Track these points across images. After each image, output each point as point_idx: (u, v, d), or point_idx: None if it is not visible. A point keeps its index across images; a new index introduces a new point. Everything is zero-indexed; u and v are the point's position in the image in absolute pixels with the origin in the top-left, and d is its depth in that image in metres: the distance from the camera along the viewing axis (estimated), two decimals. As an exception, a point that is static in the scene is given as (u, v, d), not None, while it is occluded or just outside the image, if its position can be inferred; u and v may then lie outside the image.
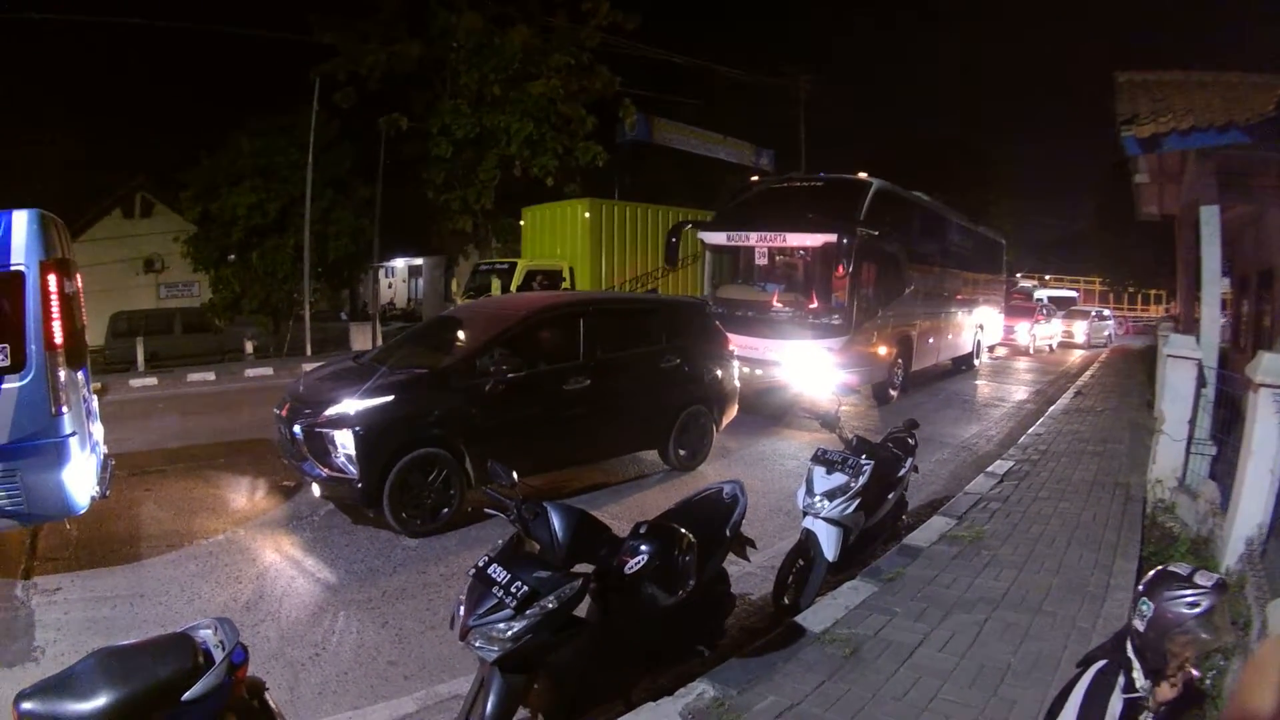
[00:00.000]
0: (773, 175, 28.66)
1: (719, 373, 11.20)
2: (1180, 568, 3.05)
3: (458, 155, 24.44)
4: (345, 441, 7.74)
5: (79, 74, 33.10)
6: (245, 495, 9.69)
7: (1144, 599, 2.99)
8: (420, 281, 50.73)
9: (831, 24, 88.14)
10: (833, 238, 13.84)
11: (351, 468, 7.73)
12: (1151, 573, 3.11)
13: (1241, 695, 2.18)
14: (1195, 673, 3.12)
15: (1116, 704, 2.95)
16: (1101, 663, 3.10)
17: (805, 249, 15.04)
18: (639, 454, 10.80)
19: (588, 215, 21.43)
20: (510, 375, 8.54)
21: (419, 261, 48.31)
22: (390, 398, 8.01)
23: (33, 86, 29.91)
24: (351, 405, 7.87)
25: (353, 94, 24.56)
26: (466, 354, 8.81)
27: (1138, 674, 2.99)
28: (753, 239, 15.49)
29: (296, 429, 8.12)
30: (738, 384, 11.87)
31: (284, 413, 8.59)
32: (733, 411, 11.68)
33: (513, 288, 18.71)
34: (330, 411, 7.91)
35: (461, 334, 9.64)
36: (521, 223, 24.84)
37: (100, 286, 31.92)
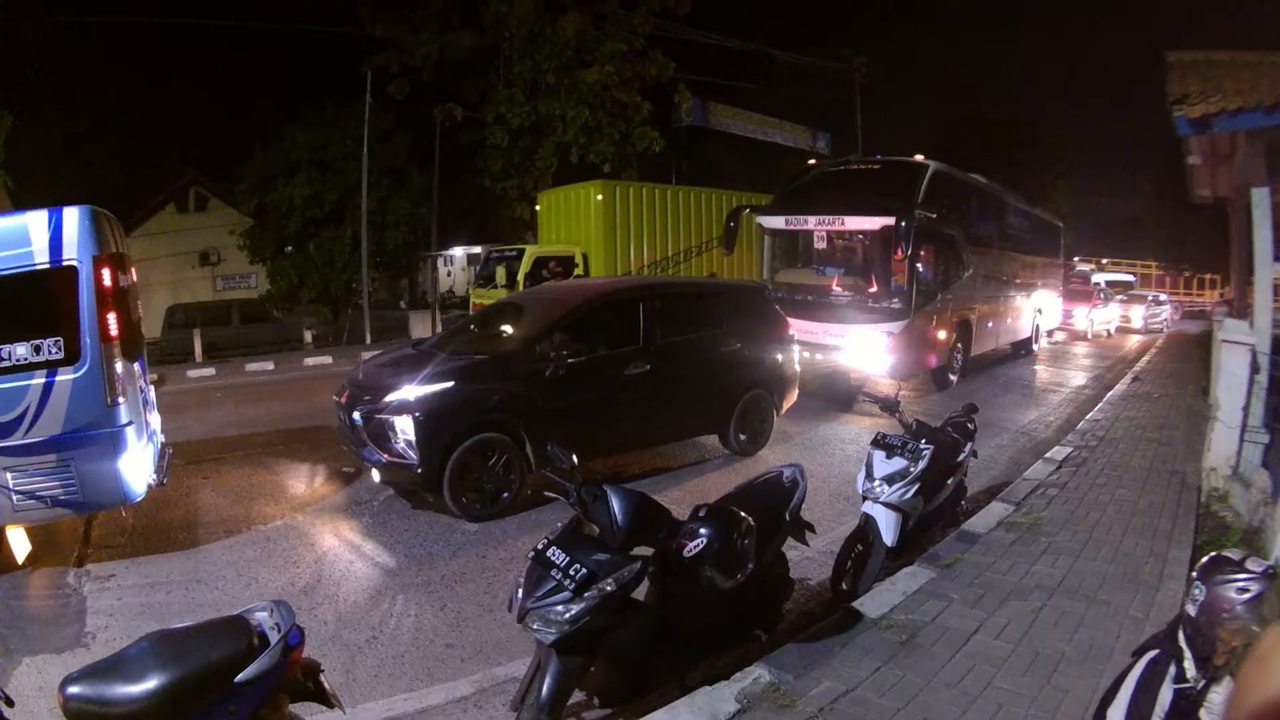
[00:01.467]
0: (829, 158, 28.44)
1: (779, 357, 11.14)
2: (1233, 553, 3.04)
3: (514, 143, 24.51)
4: (405, 427, 7.81)
5: (133, 71, 33.50)
6: (304, 481, 9.81)
7: (1197, 583, 2.98)
8: (478, 269, 50.91)
9: (887, 2, 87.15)
10: (891, 220, 13.67)
11: (412, 453, 7.80)
12: (1206, 558, 3.09)
13: (1243, 691, 2.13)
14: None
15: (1167, 694, 2.93)
16: (1154, 652, 3.08)
17: (863, 232, 14.93)
18: (699, 439, 10.79)
19: (600, 198, 20.68)
20: (570, 360, 8.58)
21: (478, 250, 48.54)
22: (450, 384, 8.06)
23: (88, 84, 30.28)
24: (411, 391, 7.94)
25: (406, 85, 24.71)
26: (526, 339, 8.85)
27: (1189, 664, 2.97)
28: (811, 222, 15.41)
29: (356, 415, 8.24)
30: (798, 368, 11.84)
31: (344, 399, 8.70)
32: (793, 396, 11.63)
33: (519, 276, 18.64)
34: (390, 398, 7.99)
35: (520, 320, 9.62)
36: (537, 208, 24.53)
37: (156, 280, 32.50)
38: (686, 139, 30.20)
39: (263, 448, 11.24)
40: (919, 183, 14.74)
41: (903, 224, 13.51)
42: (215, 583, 6.80)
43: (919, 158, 15.94)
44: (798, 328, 14.48)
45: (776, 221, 16.23)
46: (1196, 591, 2.95)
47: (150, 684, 2.68)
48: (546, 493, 4.53)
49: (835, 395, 14.95)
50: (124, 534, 7.98)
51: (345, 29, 24.66)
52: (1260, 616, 2.83)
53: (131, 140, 33.57)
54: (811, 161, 21.05)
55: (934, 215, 14.62)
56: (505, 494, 8.28)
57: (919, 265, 14.44)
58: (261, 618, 3.08)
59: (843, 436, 12.14)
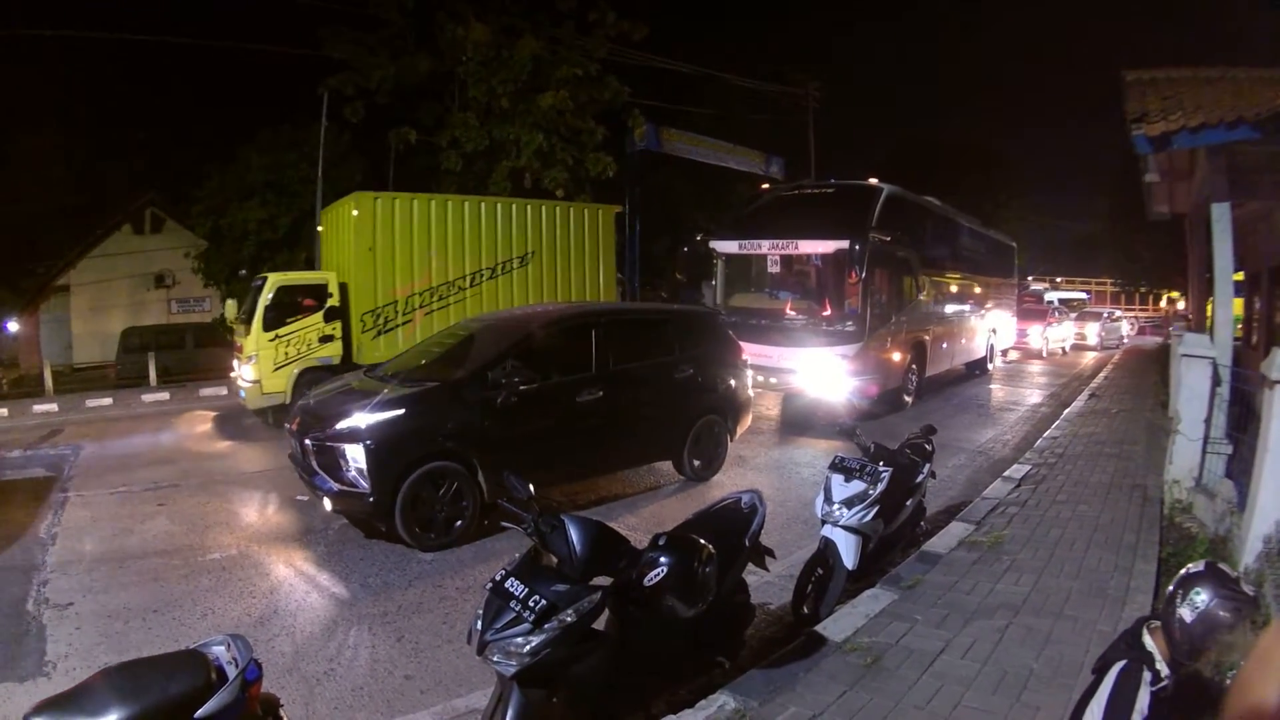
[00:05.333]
0: (783, 183, 28.60)
1: (732, 382, 11.12)
2: (1227, 568, 3.06)
3: (468, 168, 24.41)
4: (356, 455, 7.74)
5: (87, 89, 33.13)
6: (259, 510, 9.72)
7: (1197, 590, 2.97)
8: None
9: (838, 29, 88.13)
10: (844, 244, 13.81)
11: (363, 482, 7.73)
12: (1202, 565, 3.10)
13: (1244, 687, 2.15)
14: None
15: (1144, 698, 2.94)
16: (1123, 662, 3.09)
17: (817, 256, 15.00)
18: (655, 464, 10.76)
19: (355, 213, 16.80)
20: (522, 387, 8.46)
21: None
22: (401, 411, 8.00)
23: (41, 102, 29.97)
24: (362, 419, 7.87)
25: (361, 108, 24.54)
26: (478, 367, 8.71)
27: (1161, 666, 2.99)
28: (764, 247, 15.47)
29: (308, 442, 8.16)
30: (752, 393, 11.81)
31: (295, 427, 8.61)
32: (747, 421, 11.64)
33: (259, 308, 15.46)
34: (341, 425, 7.92)
35: (473, 347, 9.52)
36: (320, 229, 21.28)
37: (112, 303, 32.06)
38: (640, 164, 30.23)
39: (218, 475, 11.09)
40: (872, 206, 14.90)
41: (856, 247, 13.64)
42: (171, 612, 6.70)
43: (873, 181, 16.15)
44: (752, 352, 14.51)
45: (730, 246, 16.30)
46: (1197, 598, 2.95)
47: (111, 718, 2.63)
48: (504, 522, 4.48)
49: (791, 419, 14.98)
50: (81, 561, 7.86)
51: (303, 51, 24.54)
52: (1240, 635, 2.87)
53: (89, 159, 33.21)
54: (765, 186, 21.12)
55: (888, 238, 14.82)
56: (458, 523, 8.19)
57: (873, 288, 14.54)
58: (219, 652, 3.02)
59: (799, 460, 12.14)
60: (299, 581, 7.38)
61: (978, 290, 22.15)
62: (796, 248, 15.10)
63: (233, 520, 9.29)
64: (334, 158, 26.04)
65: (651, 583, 4.23)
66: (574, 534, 4.03)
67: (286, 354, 15.32)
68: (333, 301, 16.04)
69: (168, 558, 7.99)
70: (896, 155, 46.87)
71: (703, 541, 4.51)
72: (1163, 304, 61.93)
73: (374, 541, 8.34)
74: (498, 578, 3.85)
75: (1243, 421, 8.58)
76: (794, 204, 16.99)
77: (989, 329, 23.09)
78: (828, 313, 14.73)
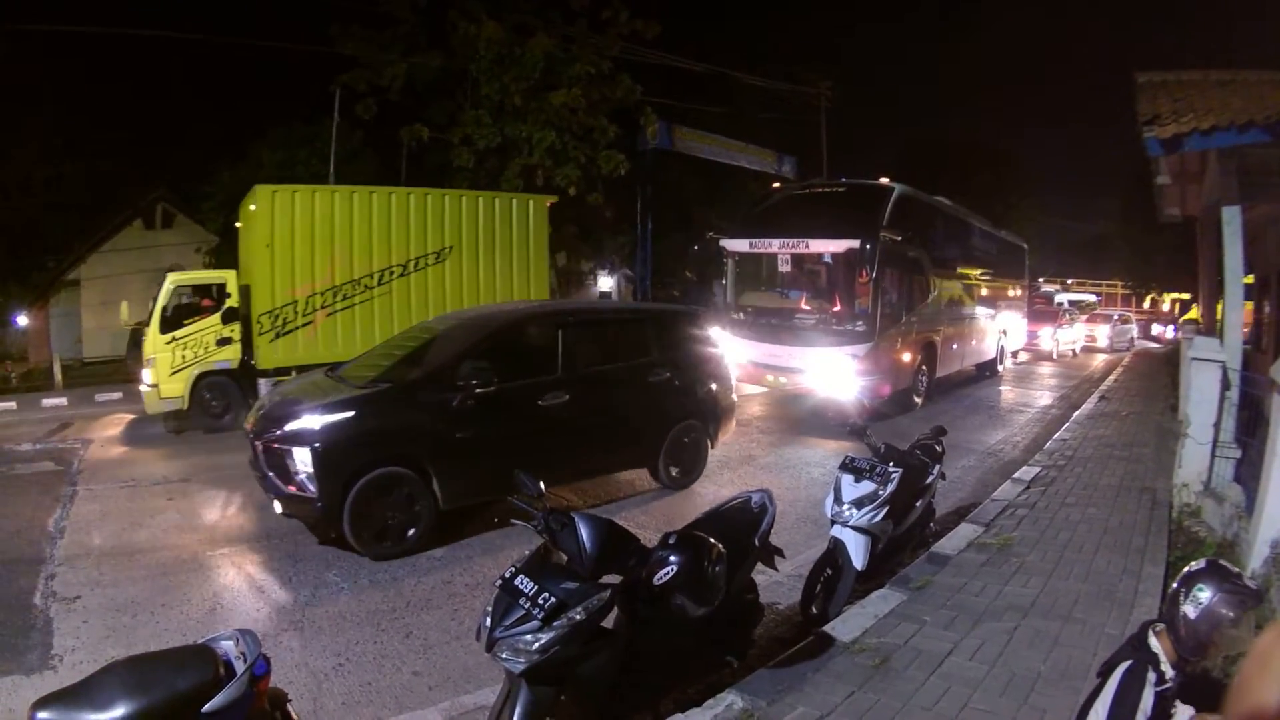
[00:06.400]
0: (794, 182, 28.56)
1: (714, 386, 10.73)
2: (1229, 565, 3.05)
3: (480, 165, 24.38)
4: (304, 458, 7.47)
5: (99, 86, 33.15)
6: (268, 506, 9.63)
7: (1200, 586, 2.97)
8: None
9: (849, 29, 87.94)
10: (855, 243, 13.78)
11: (310, 486, 7.47)
12: (1204, 562, 3.10)
13: (1244, 687, 2.14)
14: None
15: (1149, 698, 2.95)
16: (1128, 663, 3.09)
17: (828, 255, 14.93)
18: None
19: (254, 208, 15.88)
20: (479, 390, 8.11)
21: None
22: (350, 413, 7.76)
23: (50, 97, 29.99)
24: (311, 420, 7.66)
25: (373, 105, 24.55)
26: (432, 368, 8.46)
27: (1166, 667, 2.99)
28: (775, 245, 15.41)
29: (258, 444, 7.95)
30: (735, 398, 11.45)
31: (250, 427, 8.43)
32: (730, 427, 11.31)
33: (156, 309, 14.83)
34: (290, 427, 7.69)
35: (432, 347, 9.17)
36: (238, 225, 19.43)
37: (124, 298, 32.12)
38: (652, 162, 30.17)
39: (232, 469, 11.08)
40: (884, 205, 14.86)
41: (867, 246, 13.62)
42: (179, 607, 6.71)
43: (884, 180, 16.07)
44: (762, 351, 14.48)
45: (740, 244, 16.23)
46: (1200, 594, 2.96)
47: (118, 712, 2.63)
48: (513, 520, 4.47)
49: (801, 418, 14.97)
50: (89, 555, 7.86)
51: (315, 48, 24.54)
52: (1244, 629, 2.86)
53: (101, 155, 33.22)
54: (776, 184, 21.00)
55: (899, 238, 14.79)
56: (411, 531, 7.89)
57: (883, 288, 14.47)
58: (227, 646, 3.02)
59: (808, 460, 12.12)
60: (308, 577, 7.39)
61: (988, 291, 22.11)
62: (807, 246, 15.02)
63: (242, 515, 9.31)
64: (346, 155, 26.05)
65: (661, 581, 4.23)
66: (584, 532, 4.03)
67: (184, 357, 14.62)
68: (231, 302, 15.25)
69: (176, 552, 8.00)
70: (907, 155, 46.77)
71: (712, 540, 4.51)
72: (1145, 305, 62.12)
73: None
74: (507, 575, 3.84)
75: (1252, 426, 8.54)
76: (805, 203, 16.96)
77: (999, 330, 23.04)
78: (838, 312, 14.72)
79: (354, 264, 16.03)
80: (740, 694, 4.77)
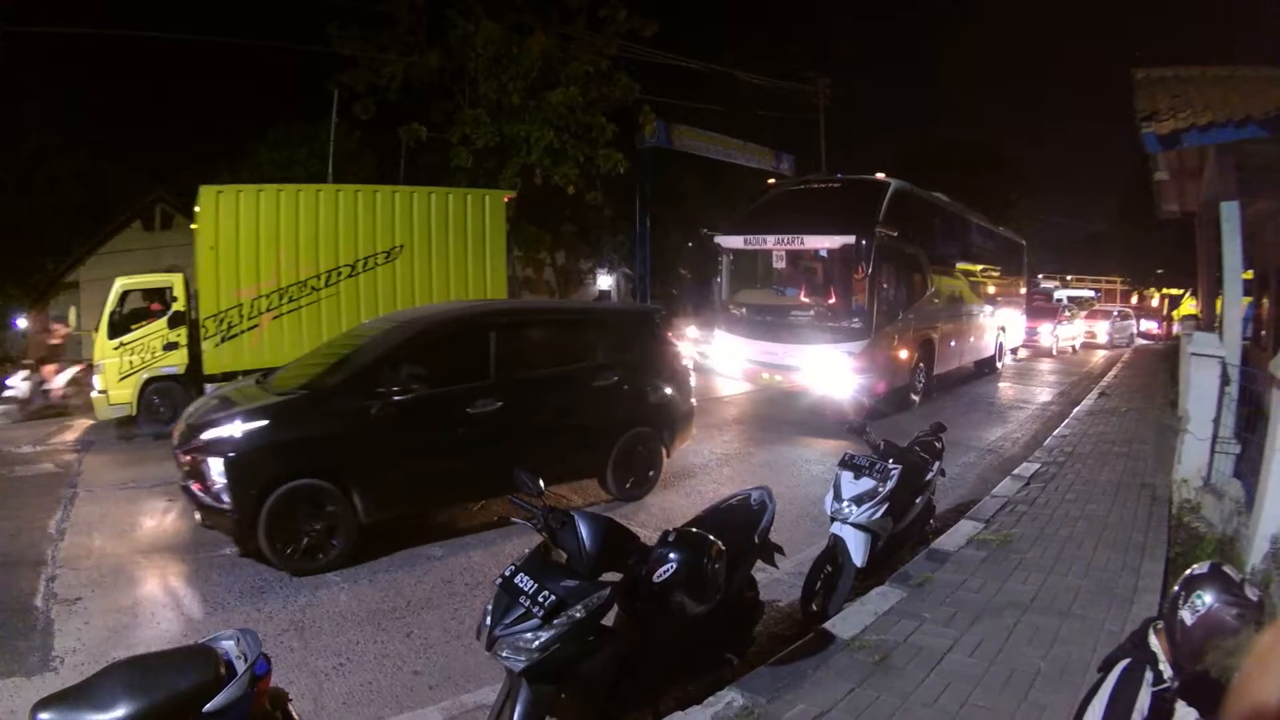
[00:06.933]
0: (790, 178, 28.56)
1: (668, 391, 10.10)
2: (1232, 571, 3.03)
3: (478, 165, 24.35)
4: (218, 468, 7.15)
5: (98, 86, 33.19)
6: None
7: (1199, 593, 2.95)
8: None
9: (848, 28, 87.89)
10: (851, 239, 13.79)
11: (226, 497, 7.16)
12: (1207, 566, 3.08)
13: (1244, 687, 2.14)
14: None
15: (1145, 698, 2.93)
16: (1126, 661, 3.08)
17: (823, 251, 14.90)
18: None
19: (198, 209, 15.31)
20: (398, 398, 7.76)
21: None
22: (264, 422, 7.41)
23: (49, 98, 30.01)
24: (227, 430, 7.32)
25: (372, 105, 24.56)
26: (351, 374, 7.94)
27: (1164, 667, 2.98)
28: (770, 242, 15.31)
29: (179, 453, 7.73)
30: (694, 402, 10.73)
31: (175, 435, 8.17)
32: (689, 434, 10.71)
33: (105, 313, 14.85)
34: (205, 436, 7.37)
35: (354, 351, 8.53)
36: (194, 226, 17.61)
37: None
38: (651, 161, 30.15)
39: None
40: (880, 201, 14.80)
41: (863, 242, 13.63)
42: (180, 608, 6.74)
43: (880, 176, 16.00)
44: (757, 349, 14.42)
45: (735, 241, 16.16)
46: (1198, 602, 2.94)
47: (119, 712, 2.63)
48: (513, 518, 4.47)
49: (800, 416, 14.93)
50: (90, 556, 7.87)
51: (314, 48, 24.55)
52: (1240, 646, 2.84)
53: (98, 156, 33.23)
54: (771, 181, 20.88)
55: (895, 233, 14.69)
56: (333, 544, 7.49)
57: (880, 284, 14.43)
58: (228, 646, 3.02)
59: (807, 457, 12.13)
60: (308, 578, 7.36)
61: (987, 288, 22.05)
62: (802, 243, 14.98)
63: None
64: (345, 155, 26.07)
65: (661, 579, 4.24)
66: (584, 530, 4.02)
67: (131, 363, 14.50)
68: (178, 306, 15.05)
69: (177, 554, 8.03)
70: (906, 154, 46.76)
71: (712, 538, 4.52)
72: (1133, 301, 62.16)
73: (382, 538, 8.27)
74: (507, 573, 3.85)
75: (1251, 421, 8.54)
76: (800, 199, 16.92)
77: (998, 327, 23.00)
78: (834, 309, 14.69)
79: (300, 265, 15.53)
80: (741, 691, 4.78)
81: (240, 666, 2.94)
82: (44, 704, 2.65)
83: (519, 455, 7.66)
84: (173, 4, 32.56)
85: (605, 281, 42.94)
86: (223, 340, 14.63)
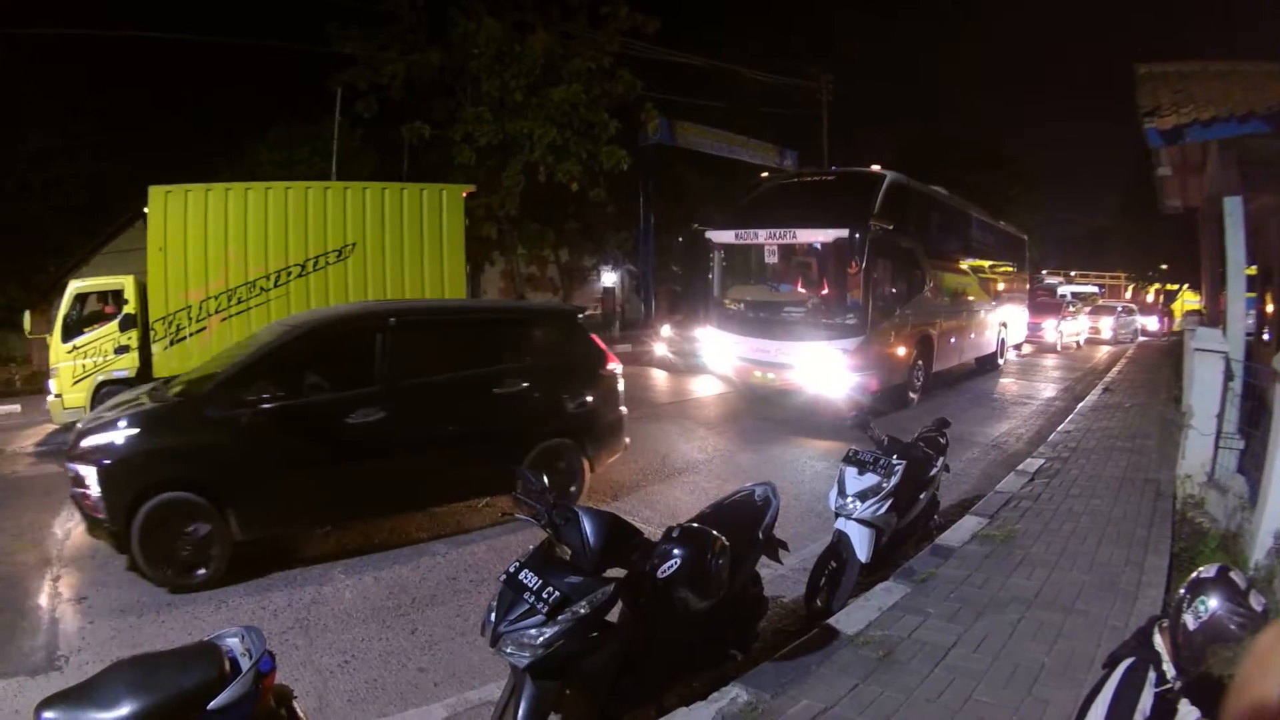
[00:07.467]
0: (784, 171, 28.56)
1: (590, 398, 9.29)
2: (1239, 577, 3.01)
3: (481, 163, 24.37)
4: (91, 477, 6.83)
5: (98, 87, 33.13)
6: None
7: (1203, 598, 2.94)
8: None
9: (849, 25, 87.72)
10: (844, 232, 13.55)
11: (101, 507, 6.84)
12: (1215, 570, 3.06)
13: (1244, 686, 2.14)
14: None
15: (1148, 698, 2.93)
16: (1130, 660, 3.07)
17: (816, 245, 14.66)
18: (667, 454, 10.57)
19: (147, 210, 14.86)
20: (268, 406, 7.20)
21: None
22: (135, 431, 7.01)
23: (49, 99, 30.00)
24: (104, 437, 6.99)
25: (374, 103, 24.58)
26: (220, 380, 7.42)
27: (1168, 666, 2.97)
28: (762, 236, 15.03)
29: (65, 460, 7.48)
30: (623, 410, 9.87)
31: (70, 441, 7.65)
32: (618, 445, 9.81)
33: (59, 315, 14.64)
34: (85, 443, 7.04)
35: (232, 355, 8.17)
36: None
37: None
38: (653, 157, 30.15)
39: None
40: (875, 193, 14.62)
41: (857, 236, 13.43)
42: (184, 606, 6.70)
43: (875, 168, 15.86)
44: (749, 346, 14.29)
45: (726, 236, 15.93)
46: (1201, 607, 2.92)
47: (123, 711, 2.63)
48: (517, 515, 4.47)
49: (802, 413, 14.80)
50: (94, 556, 7.84)
51: (315, 47, 24.58)
52: (1242, 650, 2.83)
53: (100, 157, 33.21)
54: (764, 174, 20.57)
55: (891, 227, 14.44)
56: (210, 558, 7.06)
57: (875, 279, 14.26)
58: (232, 644, 3.02)
59: (809, 454, 12.08)
60: (313, 574, 7.38)
61: (987, 283, 21.90)
62: (795, 237, 14.70)
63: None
64: (347, 153, 26.07)
65: (665, 575, 4.25)
66: (588, 526, 4.02)
67: (84, 366, 14.10)
68: (129, 308, 14.53)
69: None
70: (907, 149, 46.74)
71: (716, 534, 4.52)
72: (1127, 296, 62.29)
73: (385, 535, 8.34)
74: (511, 569, 3.85)
75: (1255, 416, 8.53)
76: (793, 192, 16.80)
77: (999, 323, 22.83)
78: (828, 304, 14.55)
79: (249, 266, 15.13)
80: (745, 687, 4.78)
81: (245, 664, 2.94)
82: (48, 703, 2.65)
83: (407, 470, 7.99)
84: (173, 4, 32.45)
85: (609, 278, 42.93)
86: (171, 343, 14.45)
